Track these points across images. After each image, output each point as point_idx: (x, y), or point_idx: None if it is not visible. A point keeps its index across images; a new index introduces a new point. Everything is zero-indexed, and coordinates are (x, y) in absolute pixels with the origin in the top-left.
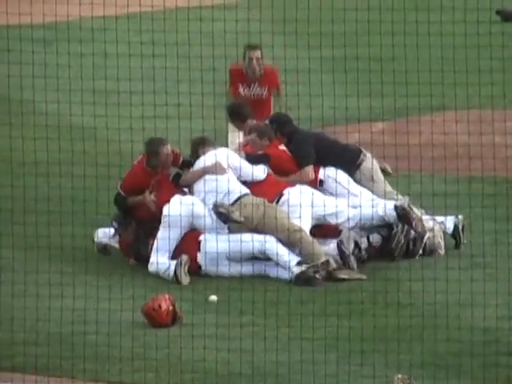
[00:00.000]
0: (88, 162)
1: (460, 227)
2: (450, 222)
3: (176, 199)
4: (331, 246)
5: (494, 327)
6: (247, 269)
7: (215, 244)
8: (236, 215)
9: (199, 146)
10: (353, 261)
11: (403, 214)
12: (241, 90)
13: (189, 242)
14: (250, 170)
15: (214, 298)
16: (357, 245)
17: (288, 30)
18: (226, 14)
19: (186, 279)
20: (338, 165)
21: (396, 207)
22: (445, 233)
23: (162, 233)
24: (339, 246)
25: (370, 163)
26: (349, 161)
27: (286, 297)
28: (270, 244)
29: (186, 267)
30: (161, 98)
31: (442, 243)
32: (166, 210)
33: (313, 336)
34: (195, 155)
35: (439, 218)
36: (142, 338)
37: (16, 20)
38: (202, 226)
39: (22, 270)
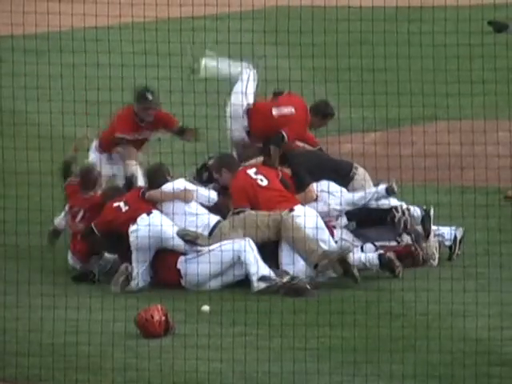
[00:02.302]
0: None
1: (458, 239)
2: (448, 235)
3: (143, 221)
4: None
5: (487, 338)
6: (227, 278)
7: (195, 266)
8: (203, 240)
9: (157, 173)
10: (355, 270)
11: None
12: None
13: (167, 270)
14: (206, 193)
15: (206, 308)
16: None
17: (280, 41)
18: (219, 25)
19: (116, 288)
20: (330, 180)
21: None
22: (441, 244)
23: (134, 256)
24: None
25: (361, 176)
26: (341, 175)
27: (278, 307)
28: (246, 254)
29: (122, 278)
30: None
31: (437, 255)
32: (133, 235)
33: (305, 346)
34: (154, 184)
35: (442, 229)
36: (134, 349)
37: (8, 30)
38: (171, 246)
39: (14, 281)
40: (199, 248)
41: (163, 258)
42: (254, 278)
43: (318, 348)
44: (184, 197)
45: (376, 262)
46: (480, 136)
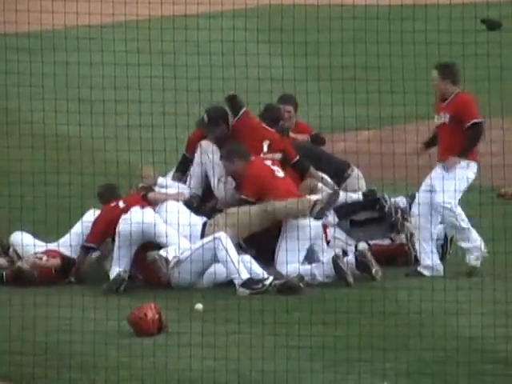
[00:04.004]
0: (73, 170)
1: (449, 238)
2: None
3: (136, 213)
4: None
5: (480, 336)
6: (220, 277)
7: (182, 267)
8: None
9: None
10: (349, 276)
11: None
12: None
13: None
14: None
15: (199, 306)
16: (344, 253)
17: (273, 39)
18: (212, 23)
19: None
20: (326, 173)
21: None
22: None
23: (116, 249)
24: (335, 261)
25: (356, 178)
26: (336, 173)
27: (271, 305)
28: (221, 251)
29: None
30: (146, 107)
31: None
32: (124, 222)
33: (299, 344)
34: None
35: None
36: (127, 347)
37: (1, 29)
38: (165, 243)
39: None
40: (181, 250)
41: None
42: (236, 282)
43: (312, 346)
44: (178, 197)
45: (353, 261)
46: None
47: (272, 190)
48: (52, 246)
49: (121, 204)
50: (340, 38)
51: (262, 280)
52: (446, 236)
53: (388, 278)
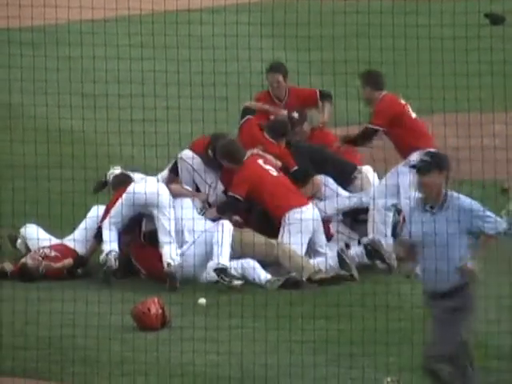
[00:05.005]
0: (77, 165)
1: None
2: None
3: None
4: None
5: (484, 331)
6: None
7: (190, 263)
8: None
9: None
10: (354, 269)
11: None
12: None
13: (158, 262)
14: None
15: (202, 300)
16: (347, 247)
17: (276, 33)
18: (215, 17)
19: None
20: (330, 178)
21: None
22: None
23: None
24: (340, 255)
25: (362, 181)
26: (342, 175)
27: (274, 299)
28: (218, 233)
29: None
30: (149, 101)
31: None
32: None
33: (302, 339)
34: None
35: None
36: (131, 342)
37: (4, 23)
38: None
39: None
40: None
41: (152, 251)
42: (212, 263)
43: (315, 340)
44: (199, 197)
45: (360, 253)
46: (476, 129)
47: (263, 191)
48: (57, 241)
49: None
50: (343, 33)
51: (234, 277)
52: None
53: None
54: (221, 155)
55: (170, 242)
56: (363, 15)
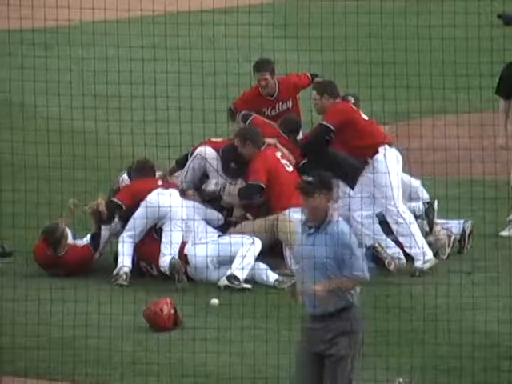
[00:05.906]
0: (89, 166)
1: (467, 232)
2: (456, 228)
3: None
4: None
5: (496, 331)
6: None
7: (204, 253)
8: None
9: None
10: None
11: (372, 255)
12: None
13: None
14: (215, 215)
15: (215, 301)
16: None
17: (289, 34)
18: (227, 18)
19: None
20: (339, 178)
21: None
22: (451, 238)
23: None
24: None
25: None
26: (351, 173)
27: (287, 300)
28: (244, 247)
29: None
30: (162, 102)
31: (448, 249)
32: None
33: None
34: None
35: (451, 222)
36: (143, 342)
37: (17, 24)
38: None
39: (23, 274)
40: (209, 233)
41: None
42: (228, 272)
43: None
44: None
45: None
46: (489, 129)
47: (275, 184)
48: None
49: (159, 182)
50: (356, 33)
51: (243, 281)
52: (463, 230)
53: (402, 274)
54: (243, 137)
55: (170, 254)
56: (376, 16)
